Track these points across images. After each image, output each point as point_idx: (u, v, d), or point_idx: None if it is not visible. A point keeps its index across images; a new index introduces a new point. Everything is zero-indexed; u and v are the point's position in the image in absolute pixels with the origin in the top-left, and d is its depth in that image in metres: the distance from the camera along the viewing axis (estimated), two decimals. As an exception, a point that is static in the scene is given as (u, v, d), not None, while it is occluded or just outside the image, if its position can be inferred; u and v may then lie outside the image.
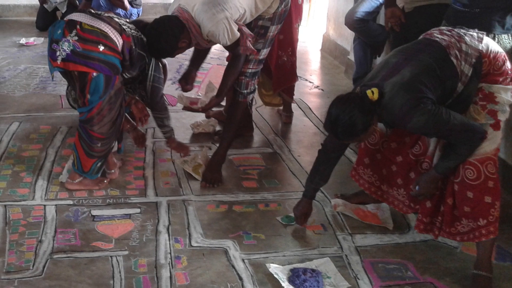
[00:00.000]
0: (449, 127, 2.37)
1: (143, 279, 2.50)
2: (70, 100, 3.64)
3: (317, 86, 5.27)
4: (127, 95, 3.32)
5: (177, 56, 3.29)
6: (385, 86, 2.40)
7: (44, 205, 3.04)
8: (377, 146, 2.90)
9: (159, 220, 2.96)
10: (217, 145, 3.58)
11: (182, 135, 3.98)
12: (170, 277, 2.52)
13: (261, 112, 4.52)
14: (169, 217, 2.99)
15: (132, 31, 3.08)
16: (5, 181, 3.25)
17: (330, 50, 6.29)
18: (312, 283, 2.49)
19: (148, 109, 3.46)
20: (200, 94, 4.70)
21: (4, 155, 3.57)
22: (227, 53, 3.90)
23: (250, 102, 3.75)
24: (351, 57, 5.16)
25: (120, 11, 6.00)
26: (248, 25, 3.23)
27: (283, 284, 2.48)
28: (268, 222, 3.00)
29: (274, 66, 4.03)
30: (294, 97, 4.41)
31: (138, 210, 3.03)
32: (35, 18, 7.08)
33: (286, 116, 4.38)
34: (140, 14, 6.41)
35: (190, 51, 3.53)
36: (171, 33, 3.07)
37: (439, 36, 2.52)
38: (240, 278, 2.54)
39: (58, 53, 2.93)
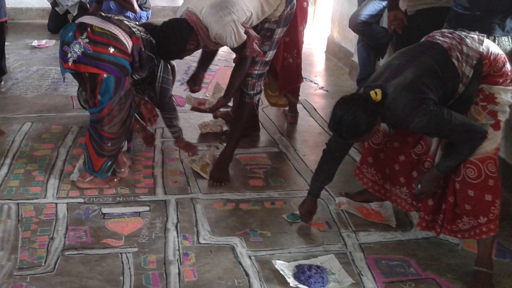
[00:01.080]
0: (450, 127, 2.39)
1: (152, 275, 2.53)
2: (81, 100, 3.68)
3: (322, 87, 5.29)
4: (137, 96, 3.35)
5: (185, 58, 3.32)
6: (388, 87, 2.42)
7: (56, 203, 3.07)
8: (380, 145, 2.92)
9: (168, 217, 2.99)
10: (225, 144, 3.60)
11: (190, 135, 4.00)
12: (179, 273, 2.55)
13: (267, 112, 4.55)
14: (177, 215, 3.02)
15: (142, 33, 3.11)
16: (17, 180, 3.29)
17: (334, 52, 6.32)
18: (317, 279, 2.51)
19: (157, 109, 3.50)
20: (207, 95, 4.71)
21: (16, 154, 3.61)
22: (234, 55, 3.91)
23: (256, 102, 3.77)
24: (355, 59, 5.19)
25: (130, 14, 6.01)
26: (255, 28, 3.25)
27: (288, 280, 2.50)
28: (274, 219, 3.02)
29: (280, 68, 4.06)
30: (299, 98, 4.43)
31: (147, 208, 3.06)
32: (47, 21, 7.12)
33: (292, 117, 4.40)
34: (149, 17, 6.39)
35: (198, 53, 3.57)
36: (179, 36, 3.10)
37: (440, 38, 2.54)
38: (247, 274, 2.56)
39: (69, 55, 2.97)
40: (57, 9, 6.84)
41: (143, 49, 3.08)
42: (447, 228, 2.67)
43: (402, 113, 2.40)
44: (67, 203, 3.09)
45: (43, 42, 6.41)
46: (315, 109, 4.71)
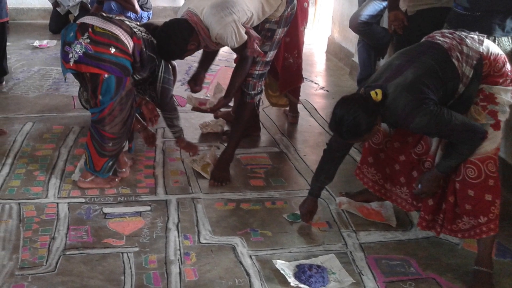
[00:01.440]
0: (450, 127, 2.40)
1: (153, 274, 2.54)
2: (82, 101, 3.69)
3: (322, 87, 5.30)
4: (138, 96, 3.36)
5: (186, 58, 3.33)
6: (389, 87, 2.43)
7: (57, 203, 3.08)
8: (381, 145, 2.93)
9: (169, 217, 2.99)
10: (225, 144, 3.61)
11: (191, 135, 4.01)
12: (180, 273, 2.56)
13: (268, 112, 4.55)
14: (178, 214, 3.02)
15: (143, 33, 3.12)
16: (19, 180, 3.30)
17: (335, 52, 6.33)
18: (317, 279, 2.51)
19: (158, 109, 3.51)
20: (208, 95, 4.72)
21: (18, 154, 3.62)
22: (235, 55, 3.92)
23: (257, 102, 3.78)
24: (356, 59, 5.19)
25: (131, 14, 6.02)
26: (255, 28, 3.26)
27: (289, 280, 2.51)
28: (275, 219, 3.03)
29: (280, 68, 4.06)
30: (300, 98, 4.44)
31: (148, 208, 3.07)
32: (48, 21, 7.13)
33: (292, 117, 4.41)
34: (150, 17, 6.41)
35: (199, 53, 3.57)
36: (180, 36, 3.11)
37: (441, 38, 2.54)
38: (248, 274, 2.57)
39: (70, 55, 2.97)
40: (58, 9, 6.86)
41: (144, 49, 3.09)
42: (447, 227, 2.68)
43: (403, 113, 2.41)
44: (68, 203, 3.10)
45: (45, 42, 6.42)
46: (315, 109, 4.71)
